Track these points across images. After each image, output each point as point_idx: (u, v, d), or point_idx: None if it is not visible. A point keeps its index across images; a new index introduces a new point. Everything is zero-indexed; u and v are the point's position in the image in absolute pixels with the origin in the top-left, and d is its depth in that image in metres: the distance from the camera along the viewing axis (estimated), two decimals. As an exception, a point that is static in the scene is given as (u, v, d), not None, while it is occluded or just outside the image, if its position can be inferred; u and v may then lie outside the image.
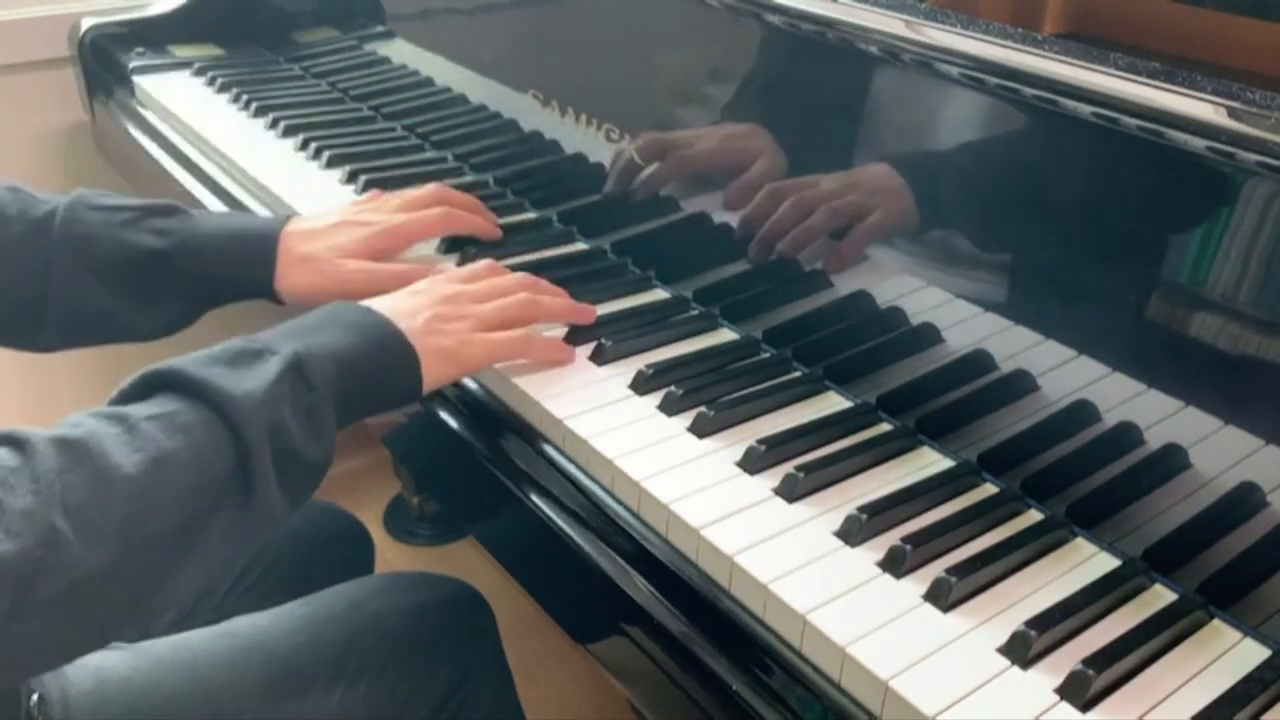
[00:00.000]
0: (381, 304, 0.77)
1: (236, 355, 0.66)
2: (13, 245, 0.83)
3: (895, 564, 0.65)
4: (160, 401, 0.62)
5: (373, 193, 1.02)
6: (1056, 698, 0.58)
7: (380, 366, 0.72)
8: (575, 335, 0.86)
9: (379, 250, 0.92)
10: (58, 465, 0.56)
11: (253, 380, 0.64)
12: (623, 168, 0.96)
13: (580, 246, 1.03)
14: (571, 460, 0.77)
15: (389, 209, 0.95)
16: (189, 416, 0.61)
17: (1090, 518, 0.69)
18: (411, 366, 0.74)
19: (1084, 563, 0.68)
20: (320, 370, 0.67)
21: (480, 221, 0.99)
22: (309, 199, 1.09)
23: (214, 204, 1.18)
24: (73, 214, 0.84)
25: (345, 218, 0.93)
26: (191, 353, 0.66)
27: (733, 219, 0.88)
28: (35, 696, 0.72)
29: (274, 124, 1.26)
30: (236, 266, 0.88)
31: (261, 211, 1.13)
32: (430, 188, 0.98)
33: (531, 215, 1.09)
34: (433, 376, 0.75)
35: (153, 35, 1.49)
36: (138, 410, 0.61)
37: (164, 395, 0.63)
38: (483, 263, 0.87)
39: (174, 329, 0.89)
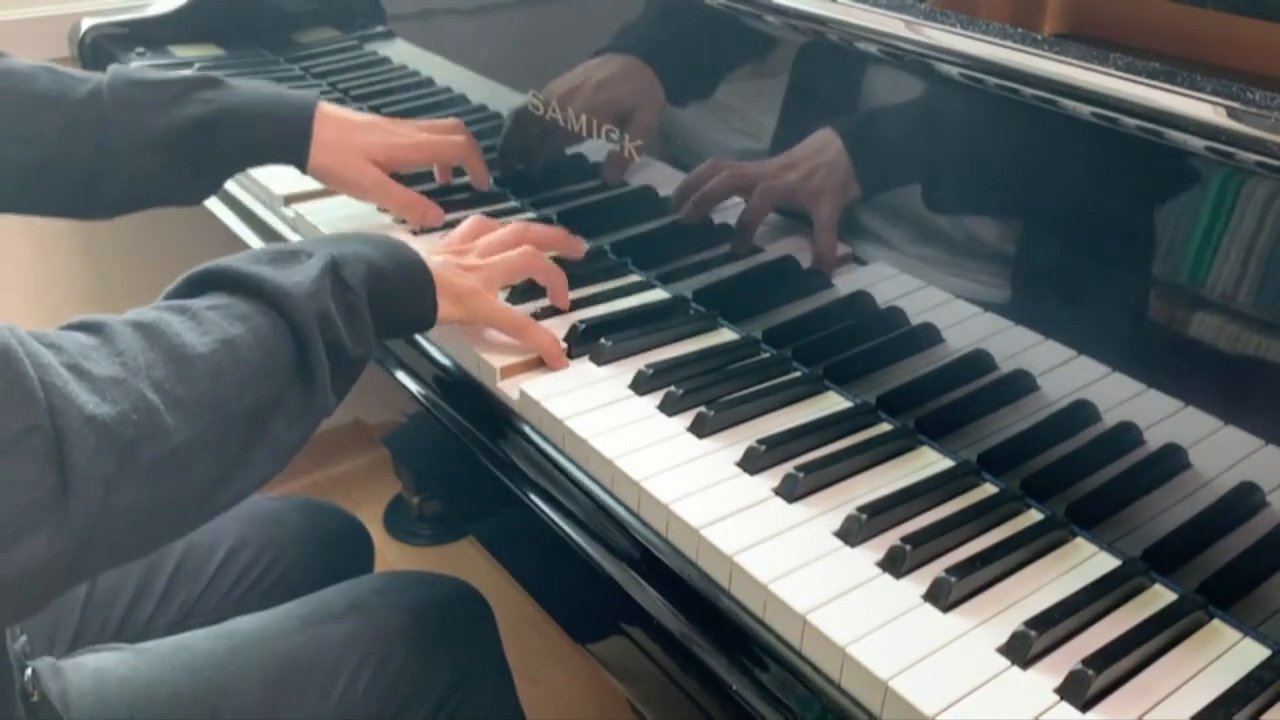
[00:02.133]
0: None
1: (276, 255, 0.69)
2: (66, 126, 0.88)
3: (895, 564, 0.65)
4: (213, 297, 0.64)
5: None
6: (1056, 698, 0.58)
7: (404, 284, 0.75)
8: (576, 343, 0.86)
9: (399, 161, 1.01)
10: (137, 343, 0.58)
11: (298, 275, 0.66)
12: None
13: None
14: (571, 460, 0.77)
15: (412, 126, 1.04)
16: (245, 307, 0.64)
17: (1090, 518, 0.69)
18: (430, 293, 0.77)
19: (1084, 563, 0.68)
20: (355, 271, 0.70)
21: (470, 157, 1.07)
22: (309, 199, 1.09)
23: (214, 203, 1.19)
24: (120, 92, 0.90)
25: (378, 121, 1.01)
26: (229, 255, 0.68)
27: (738, 220, 0.88)
28: (29, 672, 0.72)
29: (274, 124, 1.26)
30: (276, 133, 0.96)
31: (262, 212, 1.13)
32: (452, 121, 1.08)
33: (531, 215, 1.09)
34: (444, 313, 0.79)
35: (153, 35, 1.49)
36: (197, 303, 0.63)
37: (215, 292, 0.65)
38: (472, 219, 0.91)
39: (213, 192, 0.97)
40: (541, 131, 1.03)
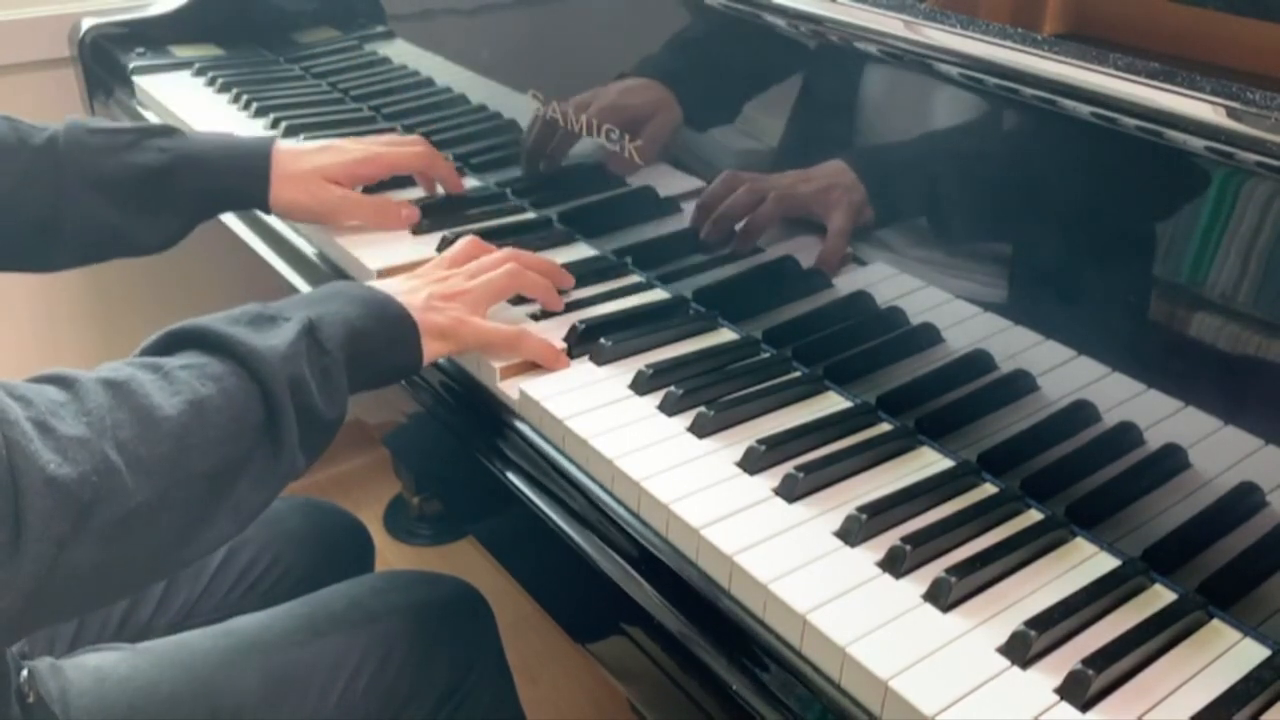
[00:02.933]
0: (383, 284, 0.81)
1: (255, 318, 0.69)
2: (22, 173, 0.88)
3: (895, 564, 0.65)
4: (188, 356, 0.64)
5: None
6: (1056, 697, 0.58)
7: (385, 338, 0.75)
8: (576, 341, 0.86)
9: (359, 176, 1.02)
10: (106, 401, 0.58)
11: (274, 339, 0.66)
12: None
13: (580, 247, 1.03)
14: (571, 460, 0.77)
15: (370, 141, 1.05)
16: (218, 368, 0.64)
17: (1090, 518, 0.69)
18: (413, 340, 0.77)
19: (1084, 563, 0.68)
20: (332, 334, 0.70)
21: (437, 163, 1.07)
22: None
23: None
24: (75, 139, 0.90)
25: (331, 143, 1.02)
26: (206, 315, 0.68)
27: (740, 222, 0.88)
28: (25, 672, 0.72)
29: (275, 124, 1.26)
30: (234, 179, 0.96)
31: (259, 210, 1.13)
32: (412, 137, 1.09)
33: (531, 215, 1.09)
34: (430, 351, 0.78)
35: (153, 35, 1.49)
36: (170, 361, 0.63)
37: (190, 350, 0.65)
38: (465, 240, 0.90)
39: (172, 242, 0.96)
40: (554, 136, 1.03)
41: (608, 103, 0.96)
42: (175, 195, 0.93)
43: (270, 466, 0.65)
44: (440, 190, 1.10)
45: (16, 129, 0.90)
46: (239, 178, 0.96)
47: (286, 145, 0.99)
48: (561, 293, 0.91)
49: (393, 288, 0.80)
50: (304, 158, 0.99)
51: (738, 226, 0.87)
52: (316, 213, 1.00)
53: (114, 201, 0.90)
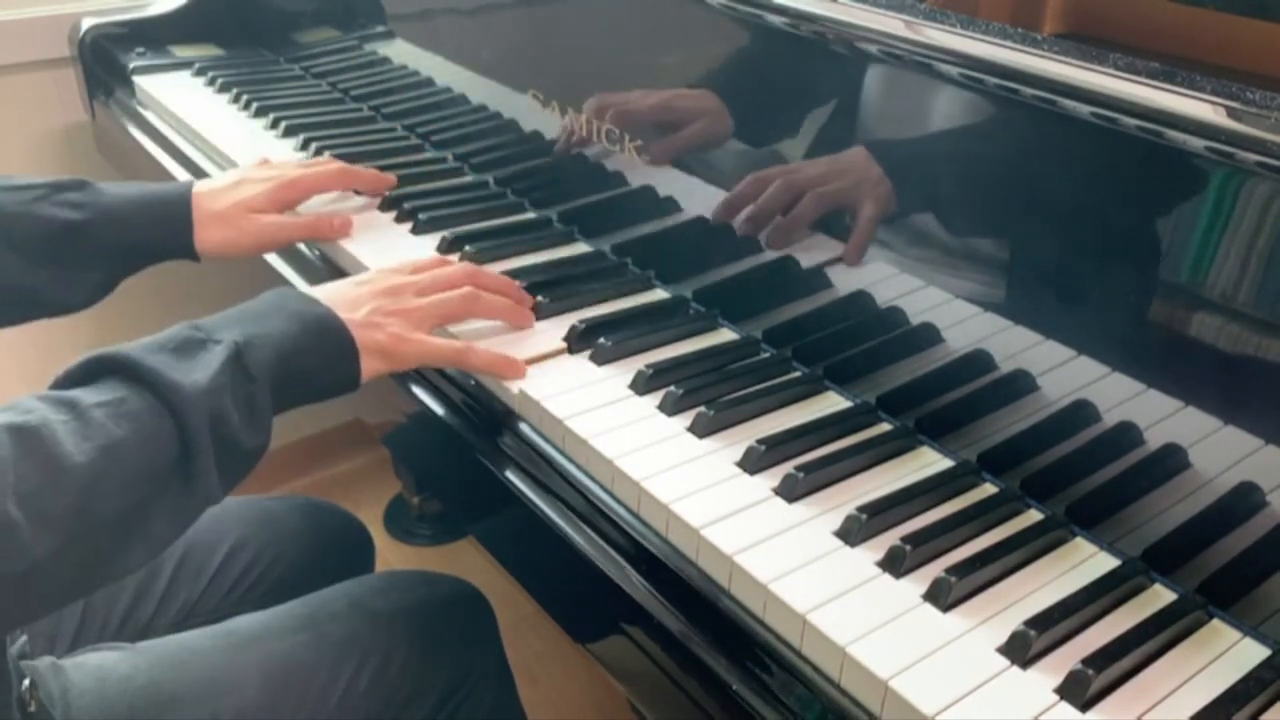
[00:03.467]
0: (327, 293, 0.78)
1: (182, 343, 0.67)
2: None
3: (895, 564, 0.65)
4: (108, 387, 0.63)
5: (261, 159, 1.07)
6: (1056, 697, 0.58)
7: (319, 358, 0.74)
8: (576, 341, 0.86)
9: (282, 202, 0.99)
10: (11, 453, 0.57)
11: (198, 371, 0.65)
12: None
13: (580, 247, 1.03)
14: (571, 460, 0.77)
15: (284, 166, 1.02)
16: (136, 404, 0.63)
17: (1090, 518, 0.69)
18: (350, 359, 0.75)
19: (1084, 563, 0.68)
20: (260, 360, 0.69)
21: (368, 175, 1.06)
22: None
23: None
24: None
25: (245, 175, 0.99)
26: (135, 340, 0.67)
27: (742, 221, 0.88)
28: (26, 681, 0.72)
29: (274, 124, 1.27)
30: (154, 230, 0.92)
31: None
32: (328, 164, 1.05)
33: (531, 215, 1.09)
34: (368, 369, 0.76)
35: (153, 35, 1.49)
36: (87, 397, 0.62)
37: (111, 380, 0.64)
38: (431, 257, 0.89)
39: (95, 299, 0.91)
40: (562, 139, 1.03)
41: (648, 110, 0.94)
42: (92, 252, 0.89)
43: (182, 503, 0.64)
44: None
45: None
46: (158, 228, 0.92)
47: (204, 186, 0.96)
48: (561, 291, 0.91)
49: (337, 297, 0.78)
50: (224, 194, 0.95)
51: (769, 227, 0.86)
52: (249, 246, 0.96)
53: (26, 261, 0.86)
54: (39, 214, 0.86)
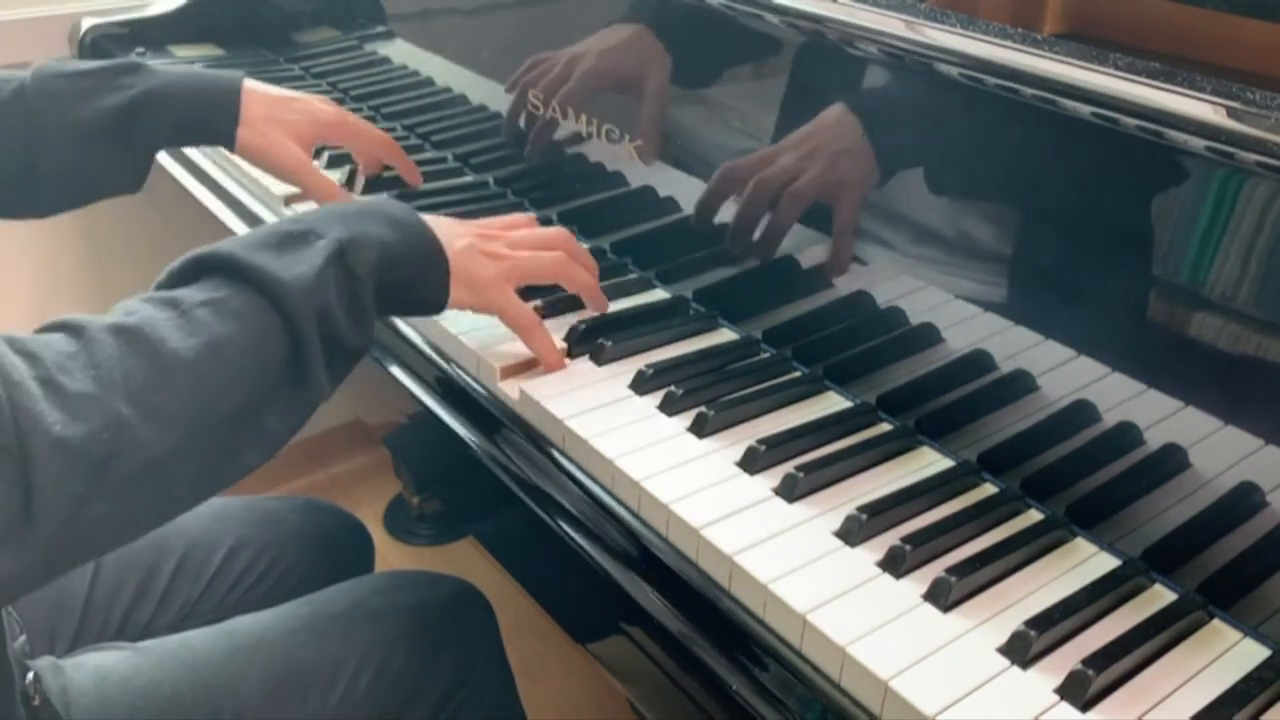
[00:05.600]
0: (429, 219, 0.78)
1: (284, 238, 0.67)
2: None
3: (895, 564, 0.65)
4: (211, 285, 0.63)
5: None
6: (1056, 698, 0.58)
7: (416, 269, 0.74)
8: (576, 343, 0.86)
9: (323, 138, 1.03)
10: (116, 351, 0.57)
11: (301, 265, 0.65)
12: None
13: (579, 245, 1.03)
14: (572, 460, 0.77)
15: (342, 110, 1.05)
16: (240, 302, 0.62)
17: (1090, 518, 0.69)
18: (442, 278, 0.76)
19: (1084, 563, 0.68)
20: (363, 259, 0.69)
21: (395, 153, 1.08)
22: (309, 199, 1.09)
23: (215, 204, 1.19)
24: (43, 86, 0.89)
25: (300, 98, 1.01)
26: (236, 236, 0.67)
27: (737, 218, 0.88)
28: (30, 675, 0.72)
29: (274, 124, 1.26)
30: (202, 114, 0.95)
31: (261, 210, 1.13)
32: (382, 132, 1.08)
33: (531, 215, 1.09)
34: (456, 300, 0.77)
35: (153, 35, 1.49)
36: (190, 295, 0.62)
37: (214, 279, 0.64)
38: (520, 215, 0.89)
39: (143, 181, 0.95)
40: (539, 126, 1.03)
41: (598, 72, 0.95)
42: (143, 131, 0.92)
43: (295, 398, 0.64)
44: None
45: None
46: (206, 113, 0.95)
47: (259, 88, 0.98)
48: (561, 292, 0.91)
49: (436, 222, 0.78)
50: (277, 108, 0.98)
51: (757, 234, 0.86)
52: (275, 168, 0.99)
53: (87, 145, 0.89)
54: (97, 102, 0.89)
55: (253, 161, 1.00)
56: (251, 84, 0.98)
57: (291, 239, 0.67)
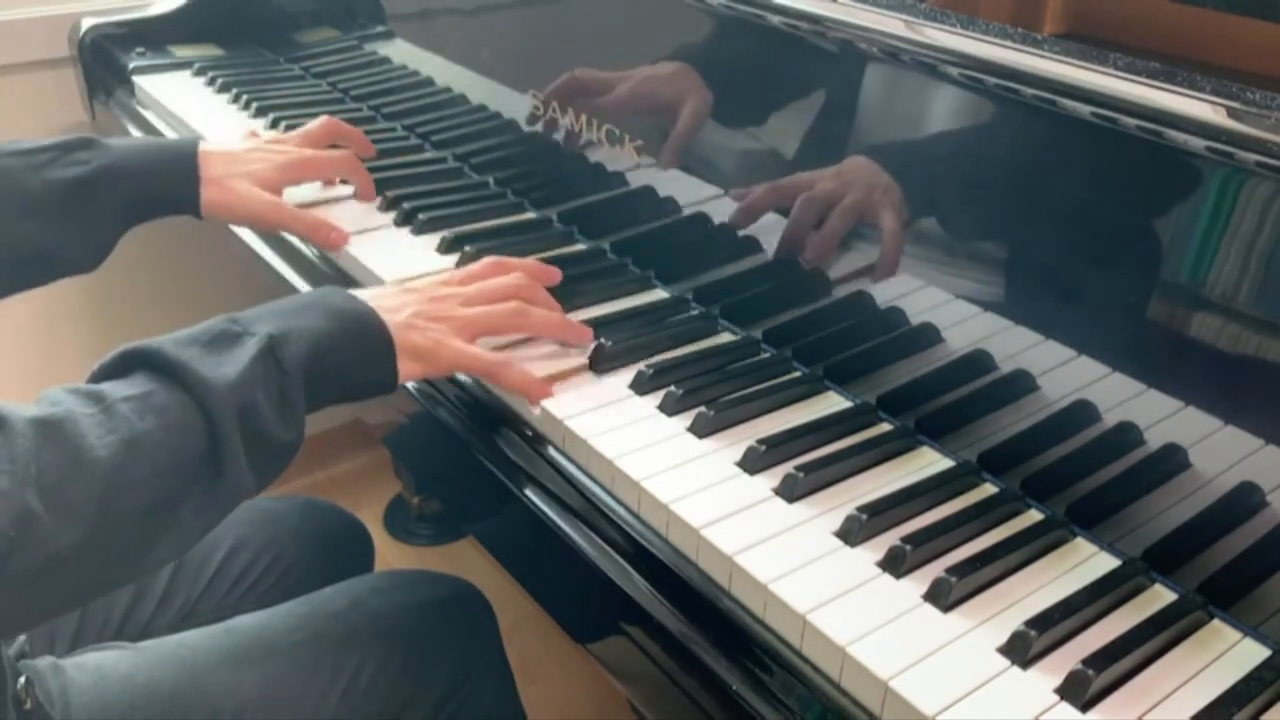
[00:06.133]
0: (371, 294, 0.78)
1: (216, 337, 0.67)
2: None
3: (895, 564, 0.65)
4: (137, 381, 0.64)
5: (273, 134, 1.09)
6: (1056, 698, 0.58)
7: (356, 355, 0.73)
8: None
9: (289, 180, 1.01)
10: (34, 445, 0.57)
11: (228, 365, 0.65)
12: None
13: (580, 247, 1.03)
14: (571, 460, 0.77)
15: (293, 143, 1.04)
16: (164, 398, 0.63)
17: (1090, 518, 0.69)
18: (387, 359, 0.75)
19: (1084, 563, 0.68)
20: (294, 354, 0.68)
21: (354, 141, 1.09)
22: (309, 198, 1.09)
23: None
24: None
25: (257, 146, 1.01)
26: (171, 333, 0.67)
27: (734, 220, 0.88)
28: (22, 680, 0.72)
29: (274, 124, 1.26)
30: (162, 183, 0.94)
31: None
32: (323, 120, 1.09)
33: (531, 215, 1.09)
34: (406, 373, 0.76)
35: (153, 35, 1.49)
36: (114, 390, 0.62)
37: (141, 374, 0.64)
38: (485, 261, 0.87)
39: (105, 255, 0.93)
40: (545, 132, 1.03)
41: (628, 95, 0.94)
42: (103, 207, 0.90)
43: (212, 494, 0.64)
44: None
45: None
46: (166, 181, 0.94)
47: (214, 148, 0.97)
48: (561, 292, 0.90)
49: (380, 298, 0.77)
50: (235, 162, 0.97)
51: (806, 254, 0.84)
52: (249, 219, 0.98)
53: (42, 224, 0.87)
54: (51, 176, 0.88)
55: (225, 219, 0.98)
56: (207, 145, 0.97)
57: (222, 337, 0.67)
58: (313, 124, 1.08)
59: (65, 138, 0.91)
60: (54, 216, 0.88)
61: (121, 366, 0.65)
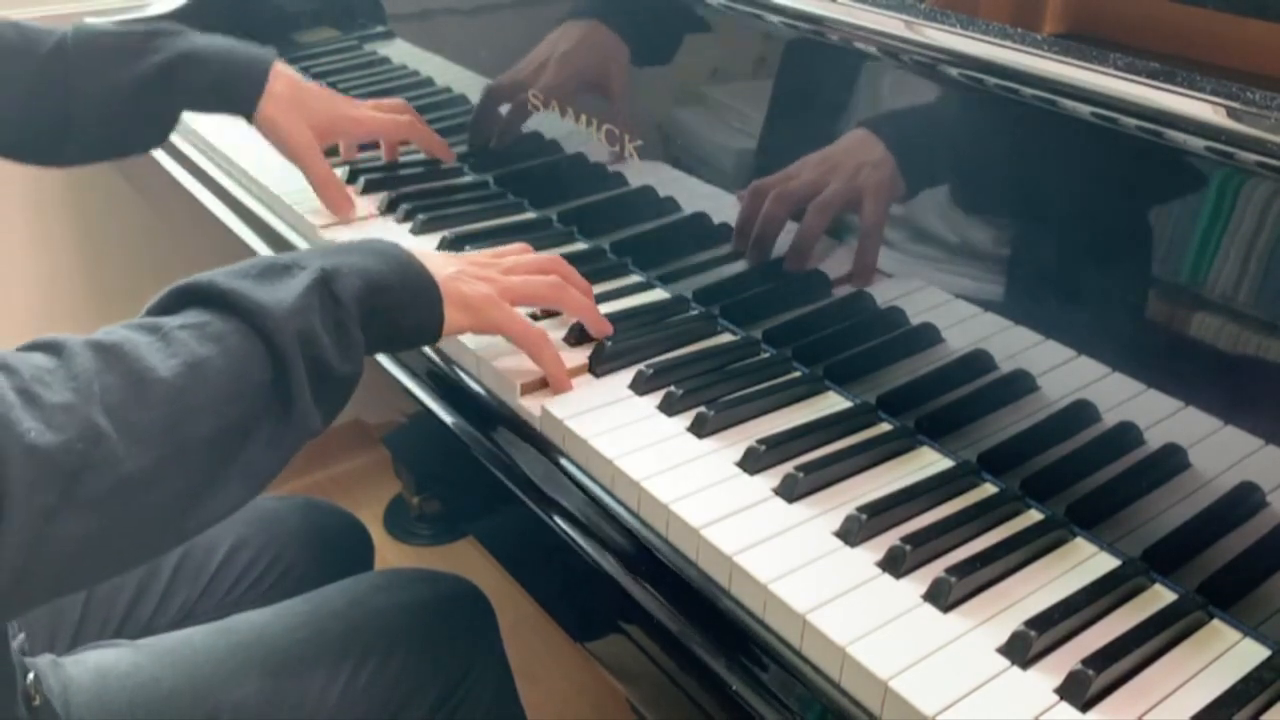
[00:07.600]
0: (415, 253, 0.77)
1: (265, 269, 0.66)
2: (33, 78, 0.93)
3: (895, 564, 0.65)
4: (191, 314, 0.63)
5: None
6: (1056, 698, 0.58)
7: (405, 297, 0.73)
8: (576, 342, 0.86)
9: (340, 132, 1.08)
10: (94, 366, 0.56)
11: (282, 291, 0.64)
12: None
13: (580, 246, 1.03)
14: (572, 460, 0.77)
15: (361, 104, 1.11)
16: (221, 326, 0.62)
17: (1090, 518, 0.69)
18: (434, 305, 0.74)
19: (1084, 563, 0.68)
20: (348, 287, 0.68)
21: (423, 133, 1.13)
22: (309, 197, 1.09)
23: (215, 204, 1.19)
24: (84, 42, 0.94)
25: (325, 90, 1.07)
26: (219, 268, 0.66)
27: (733, 221, 0.88)
28: (31, 676, 0.72)
29: (274, 124, 1.26)
30: (234, 79, 1.00)
31: (260, 210, 1.13)
32: (398, 101, 1.15)
33: (531, 215, 1.09)
34: (451, 323, 0.76)
35: (153, 35, 1.49)
36: (170, 321, 0.61)
37: (194, 308, 0.63)
38: (516, 245, 0.89)
39: (164, 138, 1.01)
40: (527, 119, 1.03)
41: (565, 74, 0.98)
42: (174, 92, 0.96)
43: (282, 426, 0.63)
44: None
45: (24, 35, 0.93)
46: (238, 79, 0.99)
47: (288, 70, 1.02)
48: None
49: (423, 254, 0.77)
50: (301, 91, 1.02)
51: (786, 247, 0.84)
52: (284, 145, 1.03)
53: (127, 105, 0.94)
54: (137, 64, 0.94)
55: (265, 134, 1.02)
56: (282, 65, 1.01)
57: (273, 270, 0.66)
58: (388, 100, 1.13)
59: (153, 26, 0.97)
60: (137, 102, 0.95)
61: (173, 303, 0.64)
